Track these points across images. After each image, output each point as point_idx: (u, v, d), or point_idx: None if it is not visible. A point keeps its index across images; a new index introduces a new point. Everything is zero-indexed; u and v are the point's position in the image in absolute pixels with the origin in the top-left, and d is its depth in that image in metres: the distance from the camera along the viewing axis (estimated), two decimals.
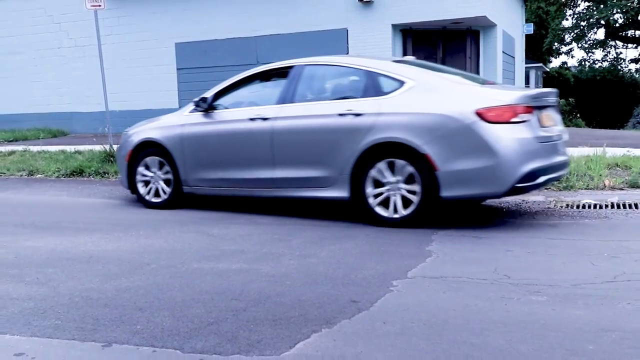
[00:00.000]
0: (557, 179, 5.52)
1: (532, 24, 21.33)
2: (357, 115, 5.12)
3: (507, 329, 2.70)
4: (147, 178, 6.42)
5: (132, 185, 6.51)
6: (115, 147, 8.89)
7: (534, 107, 4.88)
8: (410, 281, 3.47)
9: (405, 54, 14.35)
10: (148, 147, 6.39)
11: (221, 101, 6.11)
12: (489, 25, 14.66)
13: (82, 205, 6.71)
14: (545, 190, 6.36)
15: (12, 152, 11.25)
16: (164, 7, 15.48)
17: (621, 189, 6.29)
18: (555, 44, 31.59)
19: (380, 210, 5.06)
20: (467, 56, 14.90)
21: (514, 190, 4.78)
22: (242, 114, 5.86)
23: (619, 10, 28.30)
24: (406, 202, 4.97)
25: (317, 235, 4.79)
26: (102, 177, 8.90)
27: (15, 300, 3.28)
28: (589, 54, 33.24)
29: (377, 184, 5.06)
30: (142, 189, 6.45)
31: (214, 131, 6.00)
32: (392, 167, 4.99)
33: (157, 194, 6.38)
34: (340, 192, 5.23)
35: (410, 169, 4.89)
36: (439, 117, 4.79)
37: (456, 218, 5.32)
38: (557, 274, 3.54)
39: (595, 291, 3.20)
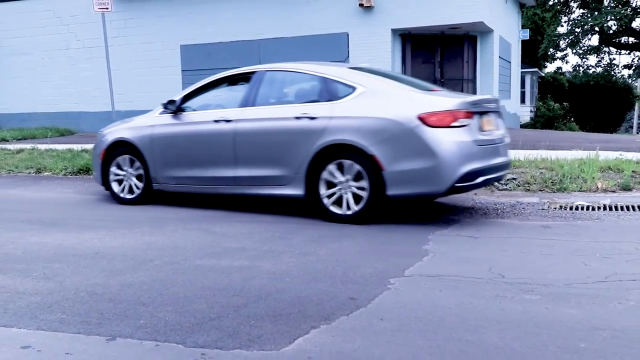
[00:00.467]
0: (497, 179, 5.74)
1: (528, 30, 21.31)
2: (312, 118, 5.34)
3: (501, 327, 2.70)
4: (119, 177, 6.57)
5: (105, 183, 6.65)
6: None
7: (474, 112, 5.10)
8: (407, 279, 3.47)
9: (404, 58, 14.37)
10: (121, 147, 6.55)
11: (189, 103, 6.30)
12: (486, 31, 14.65)
13: (88, 202, 6.70)
14: (540, 192, 6.36)
15: (20, 150, 11.25)
16: (169, 11, 15.49)
17: (613, 191, 6.28)
18: (551, 49, 31.55)
19: (333, 208, 5.26)
20: (465, 61, 14.90)
21: (453, 190, 5.00)
22: (207, 116, 6.07)
23: (612, 18, 28.30)
24: (357, 199, 5.16)
25: (317, 233, 4.78)
26: None
27: (22, 295, 3.29)
28: (583, 60, 33.23)
29: (330, 182, 5.26)
30: (115, 186, 6.59)
31: (181, 132, 6.20)
32: (343, 167, 5.20)
33: (130, 191, 6.51)
34: (296, 190, 5.44)
35: (358, 167, 5.10)
36: (385, 121, 5.02)
37: (452, 219, 5.31)
38: (550, 273, 3.54)
39: (587, 290, 3.20)
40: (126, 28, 15.67)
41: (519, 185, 6.60)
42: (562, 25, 31.04)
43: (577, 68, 33.16)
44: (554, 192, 6.36)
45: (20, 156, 10.58)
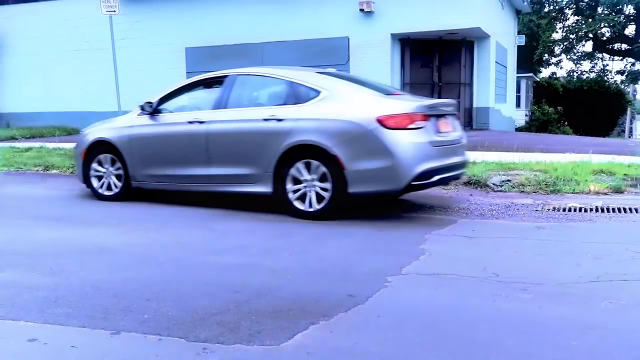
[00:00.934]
0: (453, 177, 5.85)
1: (523, 35, 21.30)
2: (279, 120, 5.46)
3: (495, 325, 2.70)
4: (99, 173, 6.60)
5: (86, 180, 6.72)
6: None
7: (431, 115, 5.26)
8: (404, 278, 3.46)
9: (403, 62, 14.37)
10: (101, 146, 6.59)
11: (165, 105, 6.35)
12: (483, 37, 14.65)
13: (95, 199, 6.70)
14: (534, 193, 6.35)
15: (29, 149, 11.25)
16: (175, 14, 15.49)
17: (605, 193, 6.27)
18: (546, 55, 31.55)
19: (298, 205, 5.37)
20: (462, 65, 14.90)
21: (410, 188, 5.17)
22: (182, 117, 6.15)
23: (606, 25, 28.31)
24: (320, 198, 5.27)
25: (317, 232, 4.78)
26: None
27: (30, 289, 3.28)
28: (577, 65, 33.25)
29: (296, 181, 5.37)
30: (95, 183, 6.64)
31: (157, 132, 6.27)
32: (308, 167, 5.32)
33: (109, 188, 6.55)
34: (265, 188, 5.56)
35: (323, 168, 5.22)
36: (346, 123, 5.17)
37: (449, 220, 5.31)
38: (544, 273, 3.53)
39: (579, 290, 3.19)
40: (133, 30, 15.67)
41: (513, 187, 6.59)
42: (557, 32, 31.03)
43: (571, 73, 33.15)
44: (547, 193, 6.35)
45: (29, 154, 10.57)
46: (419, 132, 5.08)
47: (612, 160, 7.89)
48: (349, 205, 5.35)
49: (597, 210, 5.55)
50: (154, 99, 6.36)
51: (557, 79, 30.54)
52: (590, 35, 29.20)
